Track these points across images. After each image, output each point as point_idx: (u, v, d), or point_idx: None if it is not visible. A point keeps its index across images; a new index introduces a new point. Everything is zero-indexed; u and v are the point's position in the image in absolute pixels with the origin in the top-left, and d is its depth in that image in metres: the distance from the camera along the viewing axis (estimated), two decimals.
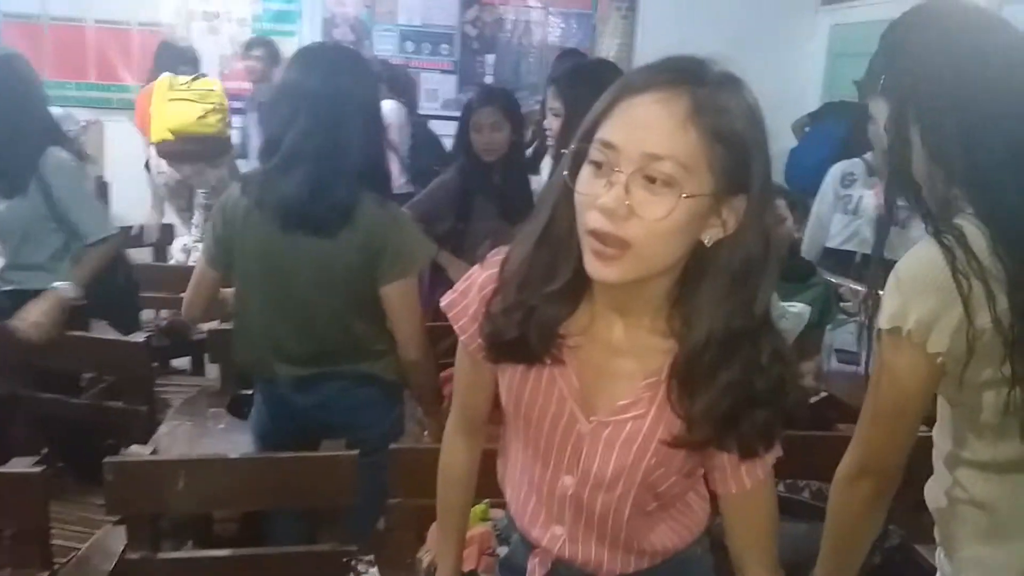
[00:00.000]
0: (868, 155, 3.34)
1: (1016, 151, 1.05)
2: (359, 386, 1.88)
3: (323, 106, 1.74)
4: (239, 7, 5.43)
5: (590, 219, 0.87)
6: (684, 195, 0.84)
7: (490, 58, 5.71)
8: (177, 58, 4.04)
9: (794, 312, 2.17)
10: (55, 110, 4.99)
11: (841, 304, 2.64)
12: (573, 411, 1.01)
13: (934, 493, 1.22)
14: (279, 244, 1.77)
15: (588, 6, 5.72)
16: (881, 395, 1.13)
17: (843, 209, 3.38)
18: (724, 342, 0.91)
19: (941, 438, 1.20)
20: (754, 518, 1.07)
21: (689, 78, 0.87)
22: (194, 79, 3.72)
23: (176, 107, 3.61)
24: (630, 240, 0.85)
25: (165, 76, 3.74)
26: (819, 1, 5.76)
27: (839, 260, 3.11)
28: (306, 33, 5.46)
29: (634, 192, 0.85)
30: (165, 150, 3.68)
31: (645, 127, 0.86)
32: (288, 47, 5.19)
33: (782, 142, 4.32)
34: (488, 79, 5.68)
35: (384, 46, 5.53)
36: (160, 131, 3.63)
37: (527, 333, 0.97)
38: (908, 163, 1.12)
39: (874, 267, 1.25)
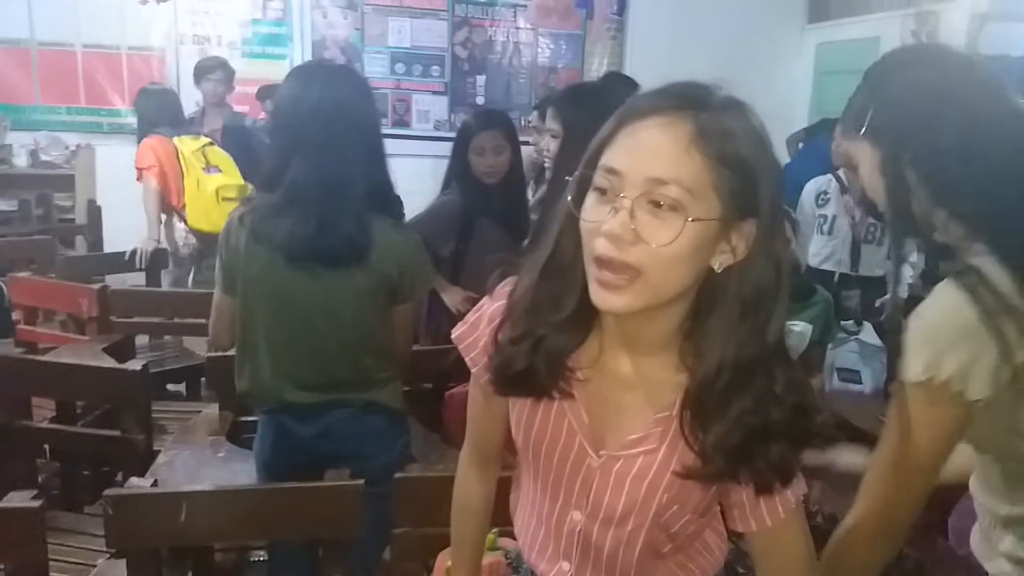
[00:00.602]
0: (841, 170, 3.37)
1: None
2: (364, 414, 1.85)
3: (322, 134, 1.70)
4: (229, 31, 5.44)
5: (596, 246, 0.86)
6: (690, 219, 0.83)
7: (480, 79, 5.74)
8: (162, 107, 4.11)
9: (796, 331, 2.18)
10: (44, 134, 5.11)
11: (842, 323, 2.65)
12: (582, 445, 0.99)
13: (990, 554, 1.19)
14: (283, 274, 1.73)
15: (578, 27, 5.77)
16: (914, 451, 1.06)
17: (819, 229, 3.43)
18: (736, 371, 0.89)
19: (992, 499, 1.16)
20: (781, 561, 1.03)
21: (693, 103, 0.86)
22: (203, 146, 3.93)
23: (227, 208, 3.86)
24: (637, 266, 0.84)
25: (182, 142, 3.91)
26: (806, 20, 5.84)
27: (818, 279, 3.14)
28: (297, 56, 5.49)
29: (639, 217, 0.83)
30: (206, 237, 3.92)
31: (649, 152, 0.85)
32: (279, 71, 5.22)
33: None
34: (479, 100, 5.71)
35: (375, 68, 5.55)
36: (209, 225, 3.86)
37: (535, 363, 0.95)
38: (909, 206, 1.10)
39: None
